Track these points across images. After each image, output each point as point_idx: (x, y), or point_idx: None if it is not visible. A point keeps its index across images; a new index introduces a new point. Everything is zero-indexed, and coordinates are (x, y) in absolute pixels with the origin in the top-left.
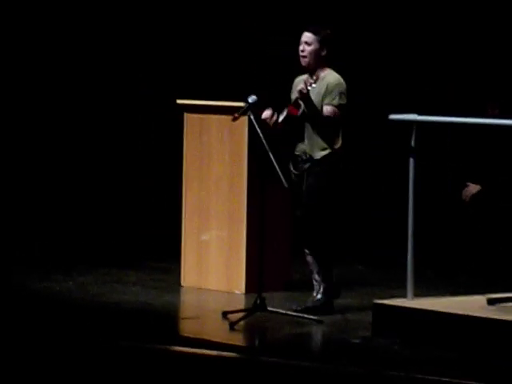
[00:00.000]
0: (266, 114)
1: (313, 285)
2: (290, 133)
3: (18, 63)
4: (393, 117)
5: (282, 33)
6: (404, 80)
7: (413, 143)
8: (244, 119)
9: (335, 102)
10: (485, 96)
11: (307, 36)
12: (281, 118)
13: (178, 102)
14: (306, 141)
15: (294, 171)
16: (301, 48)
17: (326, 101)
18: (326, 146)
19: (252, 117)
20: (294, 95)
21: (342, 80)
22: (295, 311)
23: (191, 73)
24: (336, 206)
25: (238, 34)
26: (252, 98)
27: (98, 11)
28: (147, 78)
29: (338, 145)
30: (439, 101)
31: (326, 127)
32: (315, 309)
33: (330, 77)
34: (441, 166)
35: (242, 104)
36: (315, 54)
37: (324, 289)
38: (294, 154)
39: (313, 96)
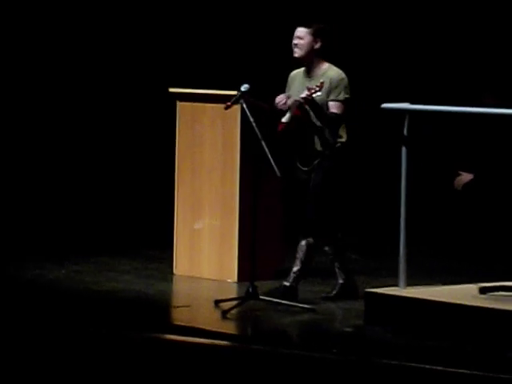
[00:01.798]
0: (281, 97)
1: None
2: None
3: (11, 47)
4: (385, 106)
5: (275, 21)
6: (397, 69)
7: (405, 132)
8: (236, 108)
9: (341, 97)
10: (479, 85)
11: (299, 30)
12: (284, 120)
13: (171, 90)
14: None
15: (302, 168)
16: (294, 42)
17: (332, 97)
18: (334, 140)
19: (244, 105)
20: (291, 91)
21: (343, 74)
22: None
23: (183, 61)
24: (344, 196)
25: (231, 21)
26: (244, 87)
27: (91, 0)
28: (139, 67)
29: (345, 138)
30: (432, 90)
31: (333, 123)
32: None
33: (331, 72)
34: (433, 155)
35: (234, 92)
36: (308, 46)
37: (346, 274)
38: (300, 149)
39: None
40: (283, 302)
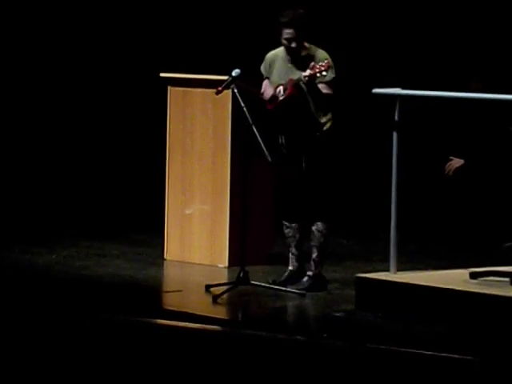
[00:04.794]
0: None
1: (295, 257)
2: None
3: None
4: (376, 91)
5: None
6: (388, 54)
7: (396, 117)
8: (228, 93)
9: (328, 77)
10: (467, 70)
11: (289, 33)
12: (281, 97)
13: (162, 75)
14: (297, 118)
15: (289, 147)
16: (292, 45)
17: (319, 78)
18: (322, 122)
19: (236, 90)
20: (273, 75)
21: (327, 54)
22: (276, 284)
23: (175, 46)
24: (336, 177)
25: (223, 6)
26: (236, 72)
27: None
28: (130, 52)
29: (330, 118)
30: (423, 75)
31: (328, 104)
32: (312, 286)
33: (317, 54)
34: (424, 140)
35: (225, 77)
36: (301, 41)
37: (318, 265)
38: (288, 130)
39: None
40: (274, 286)
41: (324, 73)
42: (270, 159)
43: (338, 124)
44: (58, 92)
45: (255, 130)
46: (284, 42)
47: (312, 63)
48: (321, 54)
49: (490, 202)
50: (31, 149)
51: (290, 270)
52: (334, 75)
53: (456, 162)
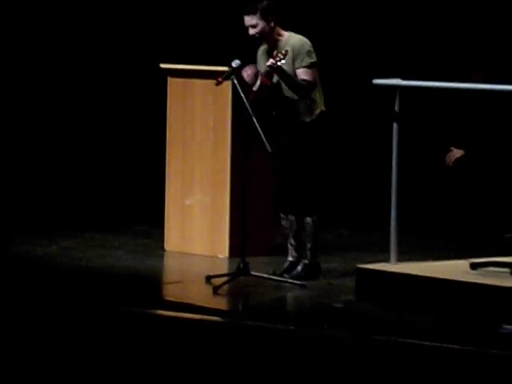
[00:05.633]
0: (245, 69)
1: (293, 247)
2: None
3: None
4: (376, 81)
5: None
6: (388, 45)
7: (396, 108)
8: (227, 84)
9: (305, 62)
10: (468, 60)
11: (248, 20)
12: (255, 88)
13: (162, 66)
14: (286, 105)
15: (281, 136)
16: (251, 33)
17: (297, 64)
18: (311, 109)
19: (236, 81)
20: (261, 67)
21: (305, 39)
22: (278, 275)
23: (174, 37)
24: (326, 168)
25: None
26: (235, 63)
27: None
28: (130, 43)
29: (322, 106)
30: (423, 66)
31: (305, 90)
32: (306, 274)
33: (292, 40)
34: (424, 131)
35: (225, 68)
36: (265, 29)
37: (312, 253)
38: (279, 118)
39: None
40: (274, 277)
41: (283, 61)
42: (270, 150)
43: (338, 114)
44: (58, 85)
45: (255, 121)
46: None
47: (275, 51)
48: (293, 39)
49: (490, 193)
50: (32, 141)
51: (290, 261)
52: (312, 60)
53: (456, 153)
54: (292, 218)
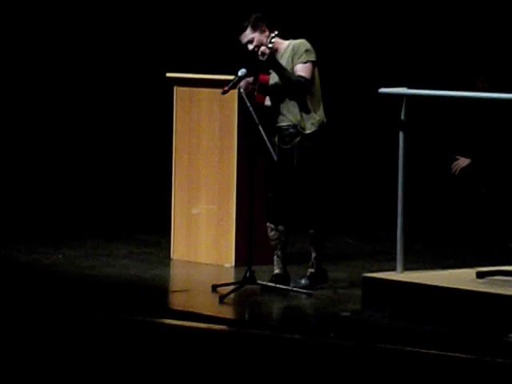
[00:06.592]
0: (243, 85)
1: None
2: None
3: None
4: (383, 90)
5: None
6: (394, 54)
7: (403, 117)
8: (234, 92)
9: (302, 59)
10: (474, 69)
11: (243, 38)
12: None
13: (168, 75)
14: (286, 113)
15: (281, 145)
16: (250, 48)
17: (295, 61)
18: (313, 118)
19: (242, 90)
20: (270, 78)
21: (305, 40)
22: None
23: (181, 46)
24: (327, 179)
25: (228, 5)
26: (242, 71)
27: None
28: (137, 52)
29: (322, 115)
30: (429, 75)
31: (301, 87)
32: (311, 284)
33: (292, 43)
34: (431, 140)
35: (231, 77)
36: (261, 40)
37: (318, 261)
38: (278, 126)
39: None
40: (280, 286)
41: (270, 44)
42: (276, 159)
43: (345, 123)
44: (66, 93)
45: (261, 130)
46: None
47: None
48: (293, 42)
49: (496, 202)
50: (38, 149)
51: (277, 274)
52: (311, 58)
53: (462, 162)
54: (281, 228)
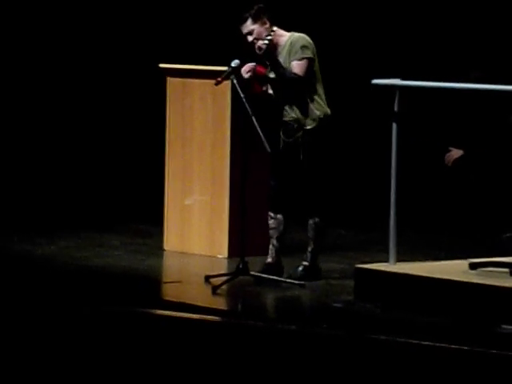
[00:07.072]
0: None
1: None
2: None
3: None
4: (376, 82)
5: None
6: (387, 45)
7: (396, 108)
8: (227, 84)
9: (298, 56)
10: (467, 60)
11: (243, 29)
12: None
13: (160, 65)
14: (288, 108)
15: (284, 139)
16: (250, 39)
17: (291, 58)
18: (314, 113)
19: (235, 81)
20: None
21: (304, 35)
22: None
23: (173, 36)
24: (329, 172)
25: None
26: (235, 62)
27: None
28: (129, 42)
29: (324, 110)
30: (422, 66)
31: (295, 84)
32: (306, 275)
33: (292, 37)
34: (423, 131)
35: (224, 68)
36: (261, 32)
37: (313, 255)
38: (283, 120)
39: (284, 63)
40: (273, 277)
41: (266, 40)
42: (269, 150)
43: (337, 115)
44: (58, 84)
45: (255, 121)
46: None
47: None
48: (293, 36)
49: (489, 193)
50: (31, 141)
51: (268, 263)
52: (307, 55)
53: (455, 153)
54: (281, 217)
